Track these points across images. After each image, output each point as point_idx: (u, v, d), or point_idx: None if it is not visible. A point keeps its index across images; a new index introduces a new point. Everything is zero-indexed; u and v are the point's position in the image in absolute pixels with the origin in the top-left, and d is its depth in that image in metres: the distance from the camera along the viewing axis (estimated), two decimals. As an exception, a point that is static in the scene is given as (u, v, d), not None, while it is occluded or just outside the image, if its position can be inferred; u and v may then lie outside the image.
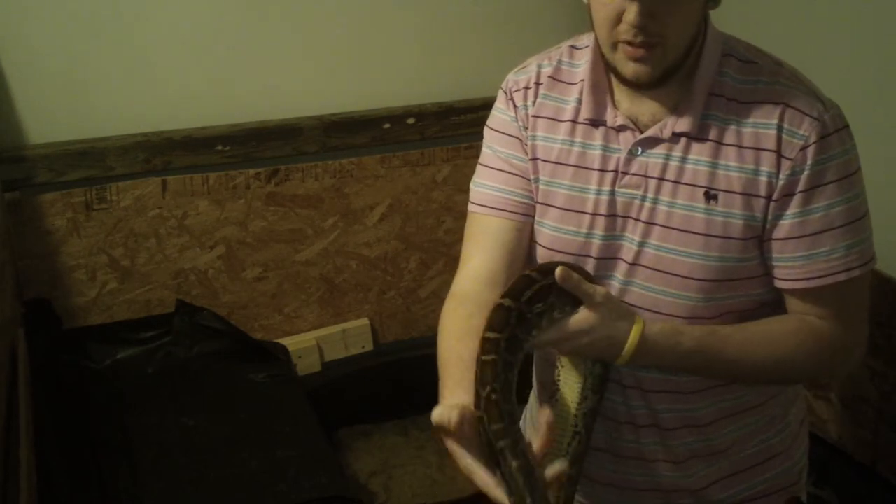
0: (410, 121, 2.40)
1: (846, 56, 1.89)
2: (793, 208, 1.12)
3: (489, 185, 1.28)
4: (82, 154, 2.10)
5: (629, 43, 1.10)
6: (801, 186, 1.11)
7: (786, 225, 1.13)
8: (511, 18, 2.44)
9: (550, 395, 1.22)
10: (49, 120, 2.09)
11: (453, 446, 1.02)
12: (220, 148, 2.21)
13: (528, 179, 1.26)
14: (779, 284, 1.17)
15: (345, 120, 2.33)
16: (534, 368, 1.41)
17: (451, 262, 2.47)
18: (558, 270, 1.08)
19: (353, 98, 2.36)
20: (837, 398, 1.92)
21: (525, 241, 1.27)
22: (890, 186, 1.81)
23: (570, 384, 1.20)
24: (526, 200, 1.26)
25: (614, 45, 1.12)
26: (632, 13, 1.07)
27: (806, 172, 1.11)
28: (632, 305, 1.20)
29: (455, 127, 2.43)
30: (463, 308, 1.19)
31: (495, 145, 1.29)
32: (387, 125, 2.38)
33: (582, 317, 1.10)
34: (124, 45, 2.12)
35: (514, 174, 1.27)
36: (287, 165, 2.29)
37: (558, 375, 1.21)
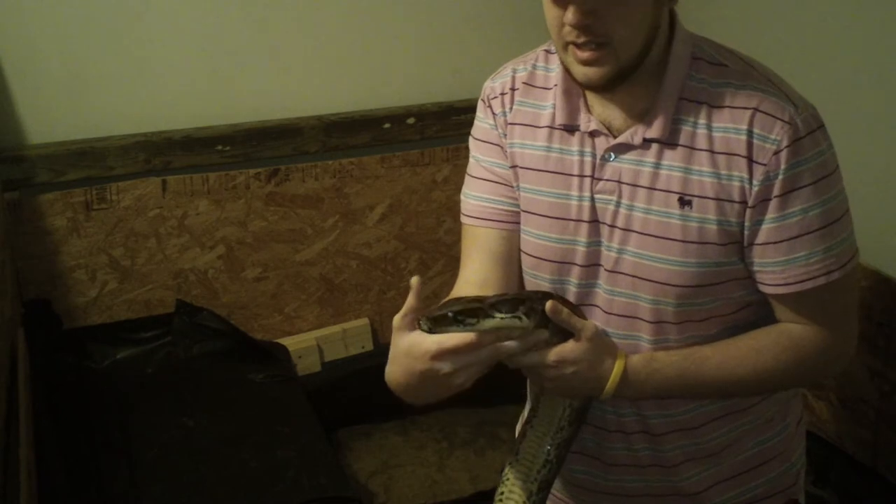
0: (410, 121, 2.40)
1: (846, 54, 1.89)
2: (770, 213, 1.11)
3: (475, 195, 1.29)
4: (82, 154, 2.10)
5: (575, 45, 1.08)
6: (776, 191, 1.10)
7: (764, 230, 1.12)
8: (511, 18, 2.44)
9: (526, 420, 1.22)
10: (49, 120, 2.09)
11: (416, 337, 1.06)
12: (220, 148, 2.21)
13: (512, 187, 1.26)
14: (761, 289, 1.16)
15: (345, 120, 2.33)
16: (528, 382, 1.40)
17: (451, 262, 2.47)
18: (548, 304, 1.09)
19: (353, 98, 2.36)
20: (837, 398, 1.92)
21: (516, 247, 1.28)
22: (889, 186, 1.81)
23: (548, 413, 1.20)
24: (512, 208, 1.27)
25: (564, 47, 1.11)
26: (570, 14, 1.06)
27: (780, 177, 1.09)
28: (620, 316, 1.20)
29: (455, 127, 2.43)
30: None
31: (478, 154, 1.30)
32: (387, 125, 2.38)
33: (570, 347, 1.11)
34: (124, 45, 2.12)
35: (497, 183, 1.27)
36: (287, 165, 2.29)
37: (537, 403, 1.22)
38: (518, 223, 1.26)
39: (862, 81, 1.85)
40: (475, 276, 1.26)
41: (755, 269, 1.15)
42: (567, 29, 1.08)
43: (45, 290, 2.14)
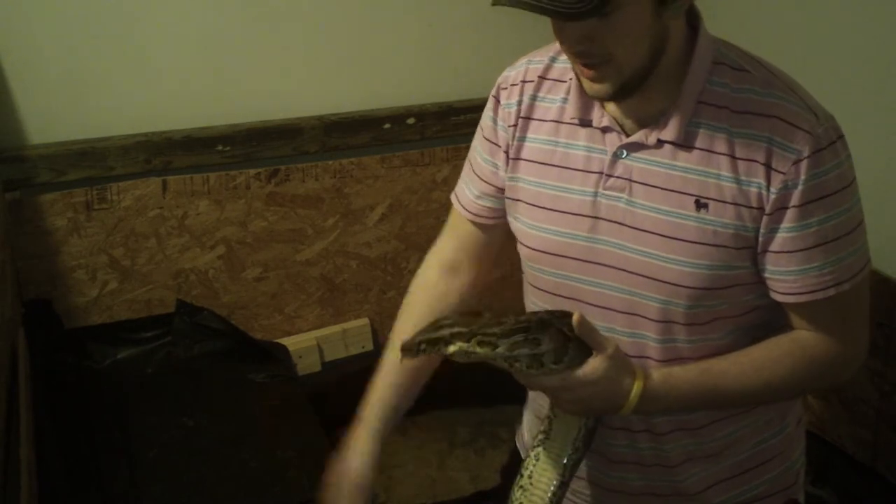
0: (410, 121, 2.40)
1: (847, 55, 1.89)
2: (787, 223, 1.11)
3: (466, 185, 1.35)
4: (83, 154, 2.10)
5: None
6: (795, 201, 1.10)
7: (779, 239, 1.12)
8: (511, 19, 2.43)
9: (538, 443, 1.21)
10: (49, 120, 2.09)
11: None
12: (220, 148, 2.21)
13: (497, 187, 1.30)
14: (772, 296, 1.16)
15: (345, 120, 2.33)
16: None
17: (452, 262, 2.47)
18: (576, 315, 1.09)
19: (353, 98, 2.36)
20: (837, 398, 1.93)
21: (493, 241, 1.35)
22: (889, 186, 1.81)
23: (563, 435, 1.19)
24: (497, 206, 1.31)
25: (573, 59, 1.13)
26: (564, 42, 1.08)
27: (800, 188, 1.09)
28: (626, 314, 1.19)
29: (455, 127, 2.43)
30: (423, 293, 1.40)
31: (478, 145, 1.33)
32: (387, 125, 2.38)
33: (590, 368, 1.10)
34: (125, 45, 2.12)
35: (484, 182, 1.31)
36: (287, 165, 2.29)
37: (549, 426, 1.20)
38: (498, 218, 1.31)
39: (862, 81, 1.86)
40: (446, 258, 1.39)
41: (767, 275, 1.15)
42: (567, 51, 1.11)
43: (45, 290, 2.14)
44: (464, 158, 2.58)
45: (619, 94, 1.12)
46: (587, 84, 1.12)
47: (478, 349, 1.06)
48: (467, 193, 1.35)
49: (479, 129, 1.33)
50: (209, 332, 2.25)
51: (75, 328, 2.18)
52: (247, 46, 2.23)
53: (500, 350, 1.06)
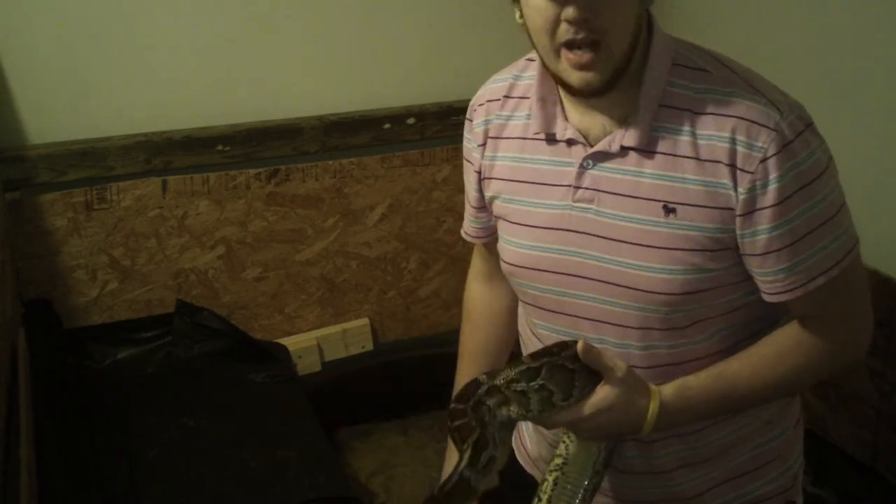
0: (410, 121, 2.40)
1: (847, 55, 1.89)
2: (765, 223, 1.09)
3: (467, 212, 1.37)
4: (83, 154, 2.10)
5: (571, 46, 1.08)
6: (771, 201, 1.08)
7: (762, 240, 1.10)
8: (511, 19, 2.43)
9: (556, 468, 1.20)
10: (49, 120, 2.10)
11: None
12: (220, 148, 2.22)
13: (482, 207, 1.32)
14: (766, 298, 1.15)
15: (345, 120, 2.33)
16: None
17: (451, 262, 2.47)
18: (580, 344, 1.09)
19: (353, 98, 2.36)
20: (837, 398, 1.92)
21: None
22: (889, 186, 1.81)
23: (581, 461, 1.18)
24: (485, 224, 1.34)
25: (557, 53, 1.10)
26: (570, 10, 1.05)
27: (772, 186, 1.07)
28: (608, 324, 1.19)
29: (455, 127, 2.43)
30: (472, 304, 1.46)
31: (465, 172, 1.34)
32: (387, 125, 2.38)
33: (602, 395, 1.09)
34: (124, 45, 2.12)
35: (472, 203, 1.34)
36: (287, 165, 2.29)
37: (566, 451, 1.19)
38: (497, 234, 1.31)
39: (861, 81, 1.85)
40: (479, 271, 1.45)
41: (757, 278, 1.14)
42: (563, 28, 1.07)
43: (45, 290, 2.14)
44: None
45: (609, 83, 1.10)
46: (577, 75, 1.09)
47: (482, 476, 1.05)
48: (468, 221, 1.38)
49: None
50: (209, 332, 2.26)
51: (75, 328, 2.18)
52: (247, 46, 2.23)
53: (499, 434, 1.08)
